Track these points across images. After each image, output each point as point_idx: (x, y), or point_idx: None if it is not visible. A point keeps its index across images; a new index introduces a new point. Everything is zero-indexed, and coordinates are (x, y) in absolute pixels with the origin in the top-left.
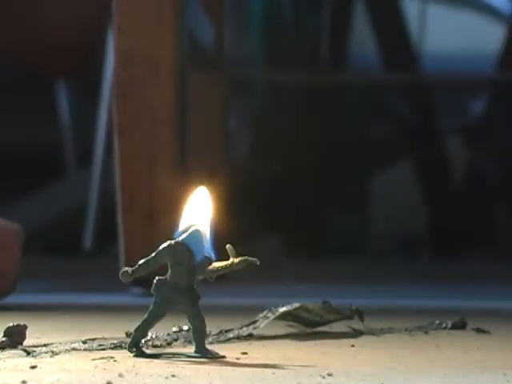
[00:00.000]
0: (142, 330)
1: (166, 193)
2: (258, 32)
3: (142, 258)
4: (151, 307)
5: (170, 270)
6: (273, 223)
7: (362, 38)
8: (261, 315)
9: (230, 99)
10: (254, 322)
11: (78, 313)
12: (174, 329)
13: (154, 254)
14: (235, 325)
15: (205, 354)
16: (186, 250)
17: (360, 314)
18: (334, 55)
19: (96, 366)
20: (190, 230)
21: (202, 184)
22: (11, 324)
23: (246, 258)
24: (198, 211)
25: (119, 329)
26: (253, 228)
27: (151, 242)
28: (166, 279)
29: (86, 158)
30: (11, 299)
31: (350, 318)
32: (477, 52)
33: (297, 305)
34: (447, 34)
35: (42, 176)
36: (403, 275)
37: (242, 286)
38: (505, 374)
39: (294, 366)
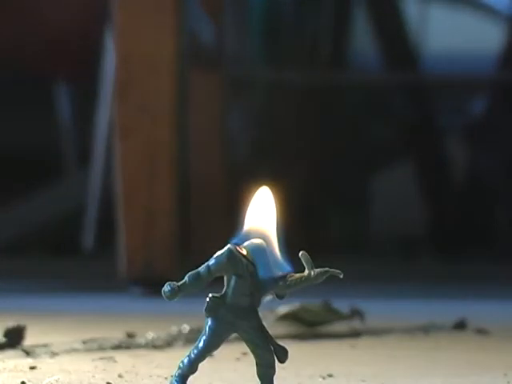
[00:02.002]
0: (191, 364)
1: (166, 193)
2: (258, 32)
3: (141, 258)
4: (204, 333)
5: (227, 286)
6: None
7: (362, 37)
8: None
9: (231, 99)
10: None
11: (78, 313)
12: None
13: (208, 264)
14: None
15: None
16: (249, 260)
17: (360, 314)
18: (334, 54)
19: (96, 367)
20: (251, 239)
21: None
22: (11, 324)
23: (326, 269)
24: (262, 216)
25: (119, 329)
26: None
27: (151, 242)
28: (222, 297)
29: (86, 157)
30: (11, 299)
31: (350, 317)
32: (477, 52)
33: (297, 305)
34: (447, 33)
35: (42, 176)
36: (403, 275)
37: None
38: (505, 374)
39: (294, 365)
